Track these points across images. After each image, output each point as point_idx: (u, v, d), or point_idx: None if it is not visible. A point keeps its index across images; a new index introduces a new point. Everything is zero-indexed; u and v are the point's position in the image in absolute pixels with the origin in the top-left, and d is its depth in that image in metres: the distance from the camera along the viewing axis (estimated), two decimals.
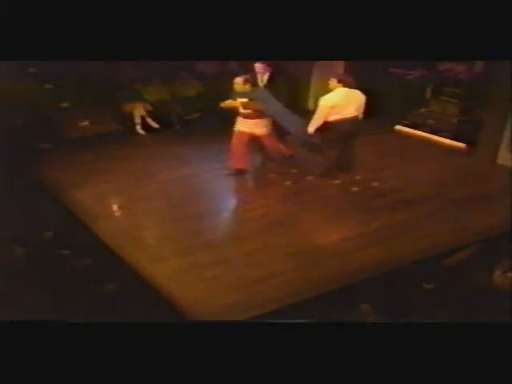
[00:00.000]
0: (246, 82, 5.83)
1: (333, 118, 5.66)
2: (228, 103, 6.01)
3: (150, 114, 7.99)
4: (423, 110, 7.85)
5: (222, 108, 6.03)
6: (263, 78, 6.65)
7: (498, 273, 3.87)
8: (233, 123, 6.00)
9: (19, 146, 5.84)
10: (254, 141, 6.07)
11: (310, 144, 6.96)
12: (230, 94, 5.94)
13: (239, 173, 6.06)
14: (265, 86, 6.62)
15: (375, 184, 5.90)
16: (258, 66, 6.58)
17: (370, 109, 5.95)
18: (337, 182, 5.95)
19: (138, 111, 7.86)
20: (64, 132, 7.06)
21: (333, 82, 5.70)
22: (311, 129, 5.76)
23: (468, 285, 3.82)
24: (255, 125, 5.95)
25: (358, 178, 6.00)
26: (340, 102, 5.63)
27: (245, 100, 5.85)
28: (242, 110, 5.91)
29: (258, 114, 5.87)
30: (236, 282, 3.95)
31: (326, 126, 5.71)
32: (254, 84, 6.05)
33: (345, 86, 5.65)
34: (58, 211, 5.01)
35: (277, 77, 6.63)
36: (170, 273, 4.03)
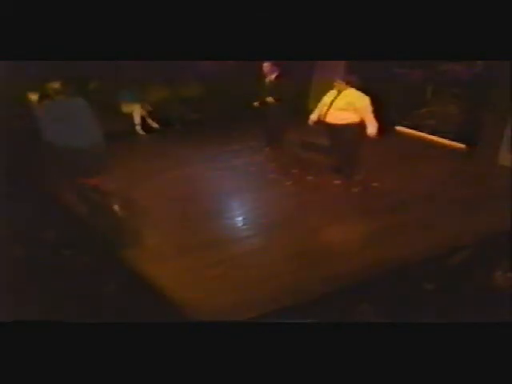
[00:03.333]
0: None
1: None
2: None
3: (150, 114, 8.00)
4: (424, 110, 7.86)
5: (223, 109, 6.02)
6: (271, 77, 6.69)
7: (498, 273, 3.87)
8: (233, 124, 6.01)
9: (19, 146, 5.84)
10: None
11: (306, 144, 7.00)
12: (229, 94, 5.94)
13: None
14: (271, 83, 6.67)
15: (375, 184, 5.90)
16: (266, 66, 6.62)
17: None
18: (337, 182, 5.96)
19: (138, 111, 7.88)
20: None
21: (340, 84, 5.71)
22: (375, 129, 5.65)
23: (468, 285, 3.82)
24: None
25: (358, 178, 6.00)
26: None
27: None
28: None
29: None
30: (236, 282, 3.95)
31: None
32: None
33: (352, 87, 5.71)
34: (58, 211, 5.01)
35: (283, 77, 6.66)
36: (170, 273, 4.03)
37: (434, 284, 3.83)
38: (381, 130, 5.72)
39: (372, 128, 5.63)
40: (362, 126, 5.68)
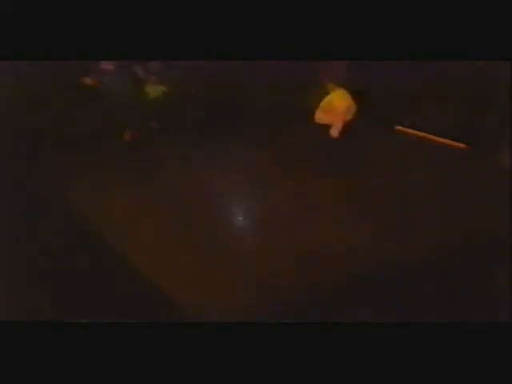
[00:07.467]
0: None
1: None
2: None
3: None
4: (423, 110, 7.85)
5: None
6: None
7: (498, 273, 3.87)
8: (233, 123, 6.01)
9: (20, 147, 5.84)
10: None
11: (307, 144, 6.99)
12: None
13: None
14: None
15: (376, 184, 5.89)
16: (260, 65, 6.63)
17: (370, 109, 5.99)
18: (337, 182, 5.95)
19: None
20: (64, 132, 7.05)
21: (329, 85, 5.81)
22: (336, 133, 5.87)
23: (468, 285, 3.82)
24: None
25: (358, 178, 6.00)
26: None
27: None
28: None
29: None
30: (237, 282, 3.95)
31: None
32: None
33: (340, 87, 5.79)
34: (58, 211, 5.00)
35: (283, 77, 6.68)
36: (169, 273, 4.02)
37: (434, 284, 3.83)
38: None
39: (335, 131, 5.88)
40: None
